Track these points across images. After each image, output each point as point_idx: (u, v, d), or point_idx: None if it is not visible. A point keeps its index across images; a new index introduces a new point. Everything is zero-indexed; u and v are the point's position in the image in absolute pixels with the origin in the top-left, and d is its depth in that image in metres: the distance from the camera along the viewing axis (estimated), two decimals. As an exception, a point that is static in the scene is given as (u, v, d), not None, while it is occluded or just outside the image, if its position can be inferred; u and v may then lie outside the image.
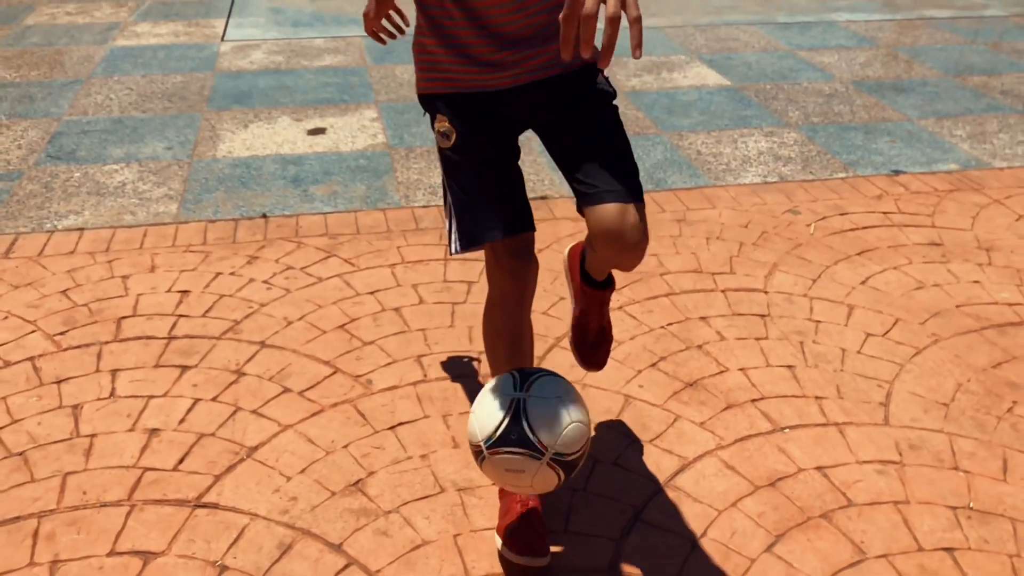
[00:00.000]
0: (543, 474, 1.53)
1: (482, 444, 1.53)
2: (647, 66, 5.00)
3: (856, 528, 1.93)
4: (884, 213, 3.37)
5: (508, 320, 1.86)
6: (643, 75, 4.85)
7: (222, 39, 5.42)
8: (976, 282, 2.91)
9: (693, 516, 1.95)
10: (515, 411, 1.52)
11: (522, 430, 1.50)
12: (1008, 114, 4.39)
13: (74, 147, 3.85)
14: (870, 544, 1.89)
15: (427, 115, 1.78)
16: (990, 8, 6.38)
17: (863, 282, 2.89)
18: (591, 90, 1.70)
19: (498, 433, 1.52)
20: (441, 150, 1.76)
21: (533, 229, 1.78)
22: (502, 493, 1.92)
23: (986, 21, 6.06)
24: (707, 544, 1.88)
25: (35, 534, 1.87)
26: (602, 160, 1.65)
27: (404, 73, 4.80)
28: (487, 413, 1.55)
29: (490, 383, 1.62)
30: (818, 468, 2.10)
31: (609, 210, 1.60)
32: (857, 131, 4.16)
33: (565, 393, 1.58)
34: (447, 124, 1.71)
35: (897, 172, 3.75)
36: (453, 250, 1.77)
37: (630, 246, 1.61)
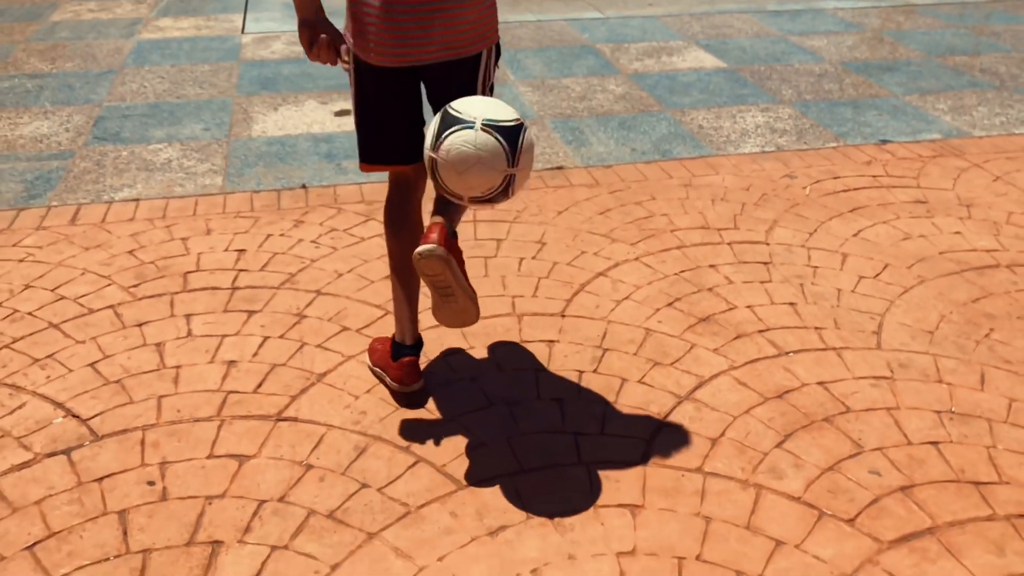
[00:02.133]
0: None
1: (432, 150, 1.88)
2: (647, 51, 5.30)
3: (854, 428, 2.22)
4: (873, 176, 3.67)
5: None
6: (644, 59, 5.15)
7: (242, 31, 5.69)
8: (957, 233, 3.20)
9: (712, 421, 2.24)
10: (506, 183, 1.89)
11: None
12: (986, 90, 4.70)
13: (118, 129, 4.11)
14: (866, 440, 2.18)
15: (494, 66, 2.15)
16: (970, -5, 6.70)
17: (855, 234, 3.19)
18: None
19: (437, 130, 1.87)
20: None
21: None
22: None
23: (967, 7, 6.38)
24: (725, 442, 2.17)
25: (142, 443, 2.15)
26: None
27: (419, 60, 5.08)
28: (481, 174, 1.85)
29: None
30: (819, 383, 2.39)
31: None
32: (846, 106, 4.46)
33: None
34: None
35: (884, 141, 4.05)
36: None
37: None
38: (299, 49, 5.31)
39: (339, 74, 4.87)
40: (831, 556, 1.85)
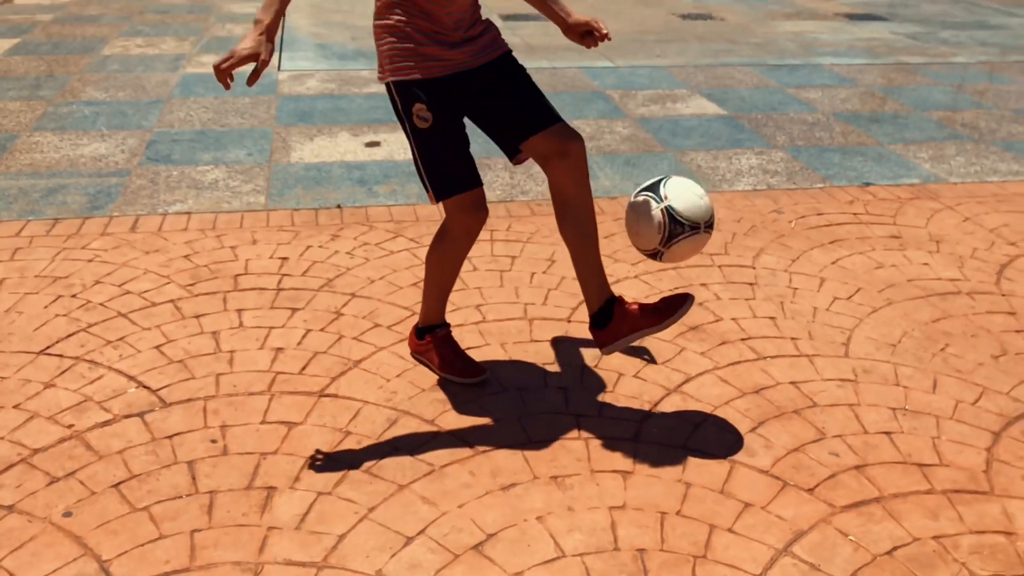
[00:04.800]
0: (705, 238, 2.39)
1: (659, 246, 2.33)
2: (653, 98, 5.72)
3: (819, 419, 2.56)
4: (854, 214, 4.04)
5: (464, 251, 2.56)
6: (650, 105, 5.57)
7: (278, 69, 6.14)
8: (926, 264, 3.56)
9: (696, 409, 2.58)
10: (668, 216, 2.33)
11: (680, 224, 2.33)
12: (966, 142, 5.09)
13: (168, 152, 4.52)
14: (829, 429, 2.52)
15: (398, 101, 2.34)
16: (958, 56, 7.14)
17: (833, 262, 3.55)
18: (515, 63, 2.47)
19: (666, 234, 2.32)
20: (416, 129, 2.33)
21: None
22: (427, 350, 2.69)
23: (954, 67, 6.81)
24: (706, 426, 2.51)
25: (204, 410, 2.50)
26: (540, 100, 2.44)
27: (442, 100, 5.51)
28: (647, 227, 2.33)
29: (634, 206, 2.38)
30: (792, 383, 2.73)
31: (562, 126, 2.42)
32: (835, 152, 4.85)
33: (687, 186, 2.38)
34: (425, 110, 2.30)
35: (867, 184, 4.43)
36: (437, 199, 2.42)
37: (579, 146, 2.41)
38: (332, 86, 5.75)
39: (368, 111, 5.29)
40: (791, 516, 2.18)
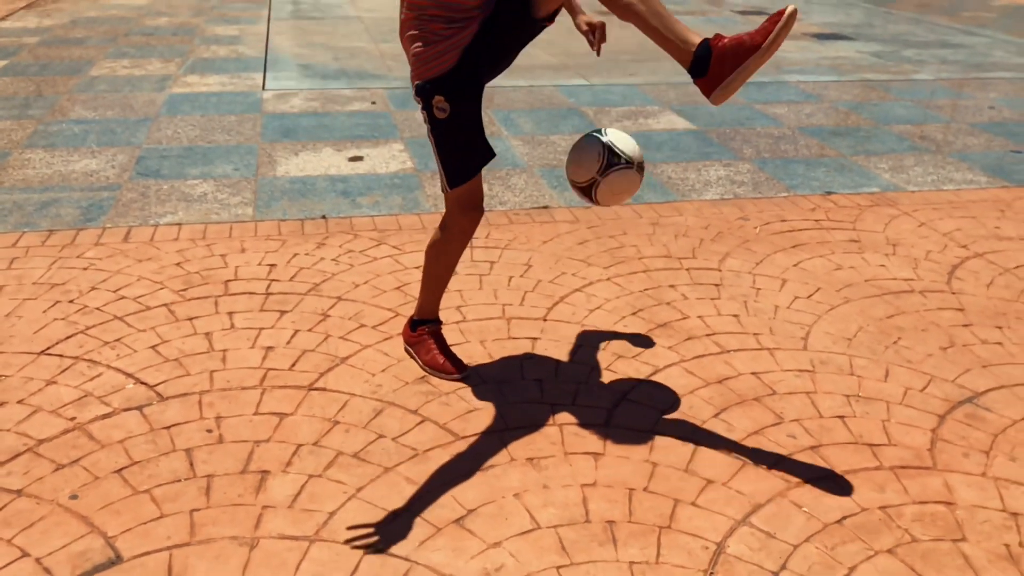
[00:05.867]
0: (636, 179, 2.51)
1: (596, 175, 2.46)
2: (627, 114, 5.93)
3: (777, 406, 2.73)
4: (816, 220, 4.24)
5: (459, 249, 2.73)
6: (623, 120, 5.78)
7: (263, 88, 6.31)
8: (882, 266, 3.76)
9: (663, 398, 2.75)
10: (608, 148, 2.47)
11: (617, 155, 2.46)
12: (924, 153, 5.33)
13: (157, 167, 4.67)
14: (787, 414, 2.69)
15: (422, 100, 2.53)
16: (920, 73, 7.42)
17: (795, 265, 3.74)
18: None
19: (604, 163, 2.46)
20: (436, 120, 2.54)
21: (495, 155, 2.62)
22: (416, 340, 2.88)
23: (915, 83, 7.08)
24: (672, 413, 2.68)
25: (200, 403, 2.64)
26: None
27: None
28: (588, 157, 2.48)
29: (578, 144, 2.54)
30: (753, 373, 2.91)
31: None
32: (799, 164, 5.07)
33: (626, 135, 2.56)
34: (444, 101, 2.51)
35: (829, 192, 4.64)
36: (452, 186, 2.60)
37: None
38: (315, 104, 5.92)
39: (350, 127, 5.47)
40: (750, 491, 2.35)
